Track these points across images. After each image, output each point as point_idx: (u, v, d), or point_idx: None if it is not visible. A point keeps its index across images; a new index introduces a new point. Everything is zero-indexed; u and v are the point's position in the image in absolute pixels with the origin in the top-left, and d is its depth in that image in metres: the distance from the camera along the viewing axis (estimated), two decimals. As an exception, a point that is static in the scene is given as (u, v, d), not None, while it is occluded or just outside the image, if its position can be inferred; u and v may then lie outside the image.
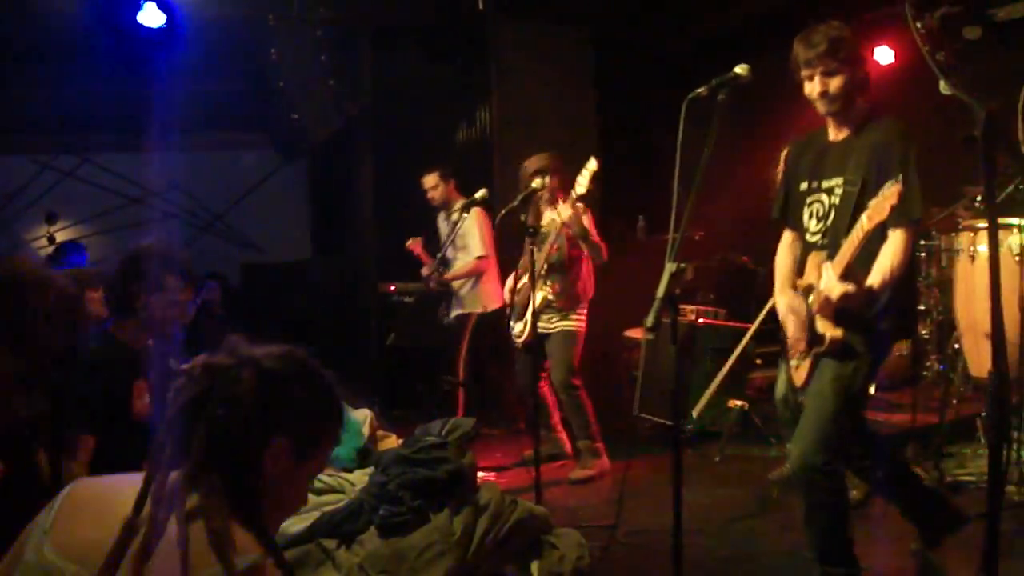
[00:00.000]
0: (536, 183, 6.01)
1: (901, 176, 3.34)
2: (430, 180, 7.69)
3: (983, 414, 6.09)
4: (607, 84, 9.45)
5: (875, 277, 3.54)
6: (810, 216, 3.87)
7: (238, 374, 1.77)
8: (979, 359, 5.74)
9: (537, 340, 6.20)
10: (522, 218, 6.04)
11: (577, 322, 6.38)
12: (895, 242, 3.56)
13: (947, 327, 6.62)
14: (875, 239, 3.56)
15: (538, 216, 6.40)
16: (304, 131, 9.12)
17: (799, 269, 3.94)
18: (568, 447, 6.73)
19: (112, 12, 7.21)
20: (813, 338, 3.74)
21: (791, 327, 3.86)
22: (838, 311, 3.64)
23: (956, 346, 6.26)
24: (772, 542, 4.86)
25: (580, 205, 5.95)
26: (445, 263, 7.41)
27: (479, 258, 7.37)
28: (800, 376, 3.84)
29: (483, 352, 7.96)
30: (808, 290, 3.78)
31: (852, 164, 3.70)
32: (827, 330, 3.65)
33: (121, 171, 12.23)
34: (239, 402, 1.75)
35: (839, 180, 3.73)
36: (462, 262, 7.45)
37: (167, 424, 1.74)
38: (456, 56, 9.43)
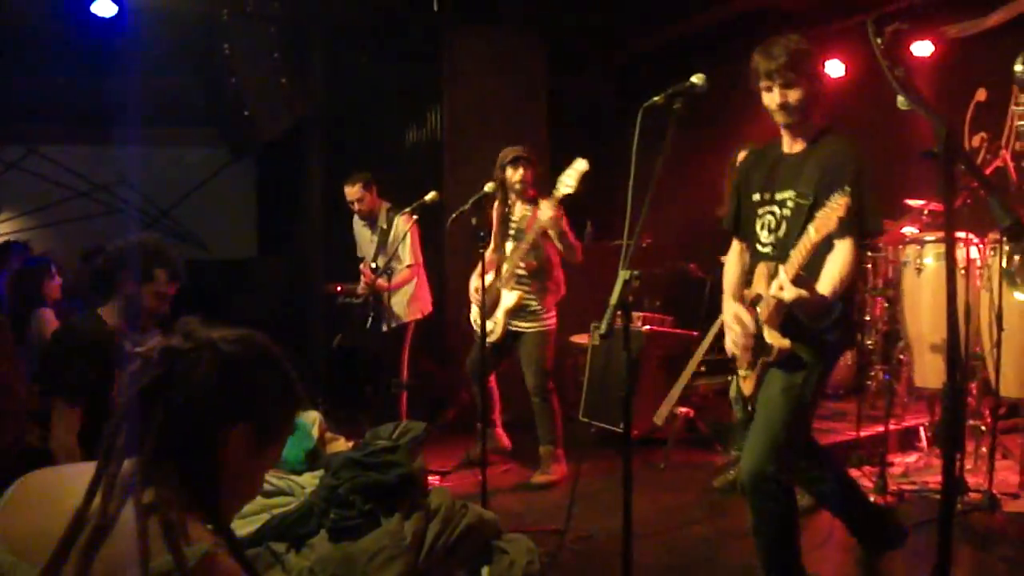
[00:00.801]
0: (489, 187, 6.00)
1: (852, 191, 3.35)
2: (355, 191, 7.32)
3: (927, 424, 6.22)
4: (559, 90, 9.47)
5: (825, 286, 3.55)
6: (762, 227, 3.89)
7: (197, 359, 1.70)
8: (924, 370, 5.85)
9: (507, 339, 6.24)
10: (472, 220, 6.00)
11: (549, 322, 6.30)
12: (842, 252, 3.59)
13: (892, 337, 6.72)
14: (824, 250, 3.58)
15: (509, 209, 6.34)
16: (254, 129, 9.05)
17: (748, 280, 3.96)
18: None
19: (64, 2, 7.11)
20: (760, 348, 3.75)
21: (734, 335, 3.90)
22: (786, 322, 3.67)
23: (901, 356, 6.35)
24: (719, 549, 4.89)
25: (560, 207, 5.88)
26: (377, 272, 7.12)
27: (411, 266, 7.22)
28: (748, 386, 3.87)
29: (423, 355, 7.95)
30: (756, 300, 3.80)
31: (804, 178, 3.72)
32: (775, 340, 3.67)
33: (68, 163, 12.07)
34: (198, 388, 1.68)
35: (791, 193, 3.76)
36: (396, 271, 7.16)
37: (121, 411, 1.66)
38: (408, 57, 9.39)
